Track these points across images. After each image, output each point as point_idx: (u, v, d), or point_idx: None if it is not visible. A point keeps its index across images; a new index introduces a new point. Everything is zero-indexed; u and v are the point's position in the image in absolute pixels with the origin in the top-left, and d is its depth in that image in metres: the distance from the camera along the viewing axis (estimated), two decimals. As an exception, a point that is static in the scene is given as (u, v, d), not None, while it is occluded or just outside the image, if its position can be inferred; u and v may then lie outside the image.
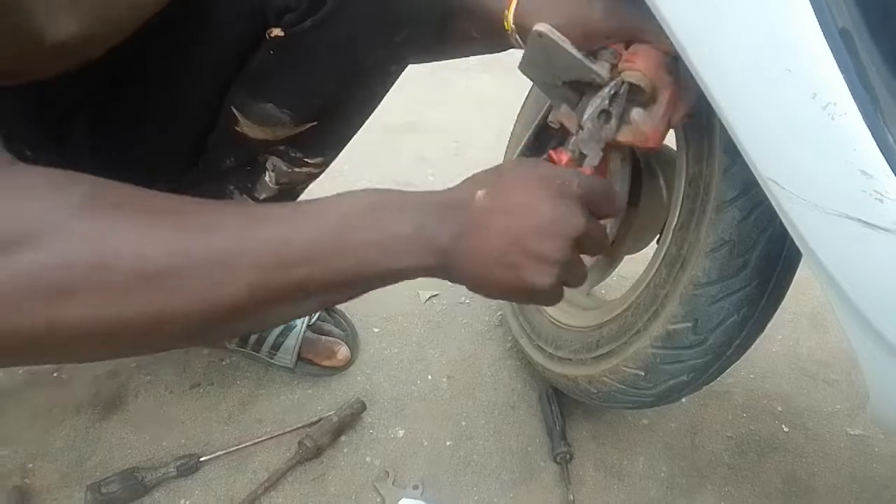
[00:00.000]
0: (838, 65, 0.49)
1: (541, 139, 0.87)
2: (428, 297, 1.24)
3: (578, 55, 0.68)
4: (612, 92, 0.66)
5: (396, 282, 0.53)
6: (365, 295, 1.18)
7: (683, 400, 1.03)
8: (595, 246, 0.57)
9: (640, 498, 0.91)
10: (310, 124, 0.77)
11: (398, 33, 0.73)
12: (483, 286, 0.56)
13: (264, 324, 0.52)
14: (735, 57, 0.52)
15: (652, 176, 0.88)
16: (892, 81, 0.51)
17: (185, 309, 0.44)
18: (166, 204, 0.47)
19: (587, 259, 0.81)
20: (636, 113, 0.67)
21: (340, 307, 1.16)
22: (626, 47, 0.69)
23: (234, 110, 0.76)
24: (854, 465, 0.97)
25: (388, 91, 0.82)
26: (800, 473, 0.96)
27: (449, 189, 0.56)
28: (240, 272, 0.46)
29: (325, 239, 0.49)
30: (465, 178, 0.57)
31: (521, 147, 0.89)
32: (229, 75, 0.75)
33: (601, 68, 0.68)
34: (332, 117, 0.79)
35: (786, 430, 1.02)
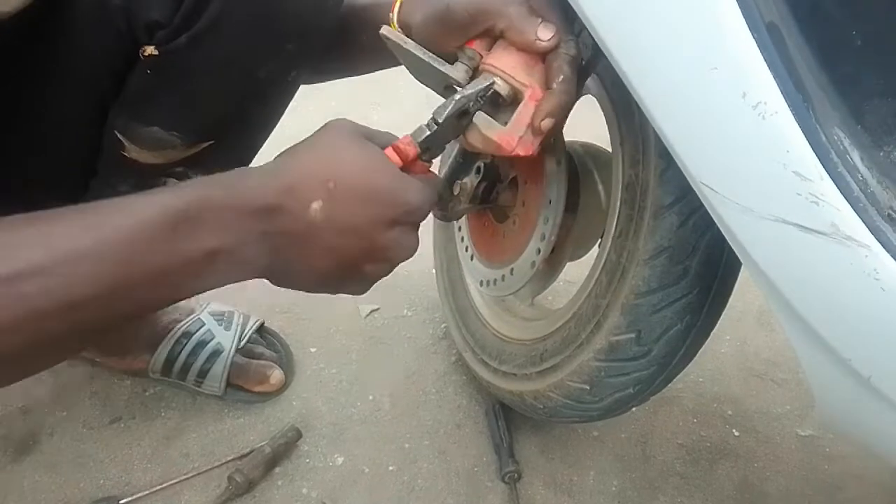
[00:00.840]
0: (767, 61, 0.46)
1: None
2: (369, 311, 1.19)
3: (425, 57, 0.64)
4: (480, 93, 0.61)
5: (200, 293, 0.52)
6: (301, 313, 1.14)
7: (633, 409, 1.00)
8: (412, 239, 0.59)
9: (590, 515, 0.88)
10: (205, 144, 0.72)
11: (284, 44, 0.68)
12: (296, 288, 0.57)
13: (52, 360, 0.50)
14: (660, 55, 0.49)
15: (589, 180, 0.85)
16: (824, 78, 0.48)
17: None
18: None
19: (525, 270, 0.78)
20: (480, 119, 0.62)
21: (273, 327, 1.10)
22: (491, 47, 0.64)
23: (119, 135, 0.71)
24: (806, 467, 0.96)
25: (290, 100, 0.77)
26: (752, 479, 0.94)
27: (277, 179, 0.52)
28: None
29: (122, 269, 0.45)
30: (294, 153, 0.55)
31: (454, 153, 0.85)
32: (104, 96, 0.70)
33: (456, 71, 0.63)
34: (229, 134, 0.74)
35: (736, 434, 1.00)
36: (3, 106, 0.68)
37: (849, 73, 0.49)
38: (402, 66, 0.72)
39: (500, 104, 0.63)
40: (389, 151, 0.57)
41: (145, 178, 0.75)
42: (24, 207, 0.74)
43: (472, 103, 0.61)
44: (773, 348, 1.15)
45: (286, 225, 0.51)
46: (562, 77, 0.60)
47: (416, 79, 0.72)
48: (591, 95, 0.81)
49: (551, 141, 0.80)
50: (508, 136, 0.61)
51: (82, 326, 0.46)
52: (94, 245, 0.45)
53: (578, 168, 0.86)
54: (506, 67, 0.61)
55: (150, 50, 0.65)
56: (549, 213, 0.81)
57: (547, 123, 0.60)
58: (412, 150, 0.59)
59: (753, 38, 0.46)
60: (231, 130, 0.74)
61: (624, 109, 0.74)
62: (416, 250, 0.57)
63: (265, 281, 1.27)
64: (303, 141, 0.55)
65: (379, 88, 1.87)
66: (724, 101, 0.47)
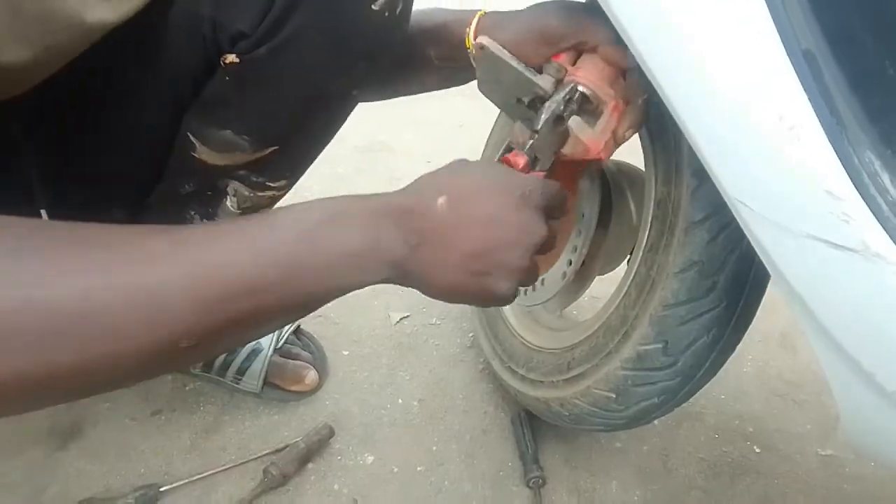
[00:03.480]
0: (803, 86, 0.49)
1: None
2: (399, 318, 1.22)
3: (519, 67, 0.69)
4: (567, 97, 0.66)
5: (346, 293, 0.52)
6: (335, 318, 1.16)
7: (656, 422, 1.03)
8: (549, 247, 0.59)
9: (613, 523, 0.90)
10: (270, 149, 0.76)
11: (355, 62, 0.72)
12: (441, 294, 0.55)
13: (210, 355, 0.49)
14: (701, 77, 0.52)
15: (622, 197, 0.88)
16: (856, 104, 0.51)
17: (115, 351, 0.41)
18: (97, 238, 0.43)
19: (556, 280, 0.81)
20: (574, 122, 0.67)
21: (308, 330, 1.14)
22: (575, 62, 0.69)
23: (191, 136, 0.74)
24: (826, 486, 0.97)
25: (350, 113, 0.81)
26: (772, 495, 0.95)
27: (404, 192, 0.55)
28: (177, 307, 0.42)
29: (270, 264, 0.47)
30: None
31: (498, 154, 0.88)
32: (184, 101, 0.73)
33: (544, 81, 0.68)
34: (292, 142, 0.77)
35: (757, 451, 1.01)
36: (92, 114, 0.72)
37: (881, 100, 0.52)
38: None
39: (581, 113, 0.68)
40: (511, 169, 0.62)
41: (209, 179, 0.79)
42: (90, 206, 0.78)
43: (563, 108, 0.66)
44: (796, 370, 1.17)
45: (418, 223, 0.52)
46: (644, 95, 0.66)
47: (485, 92, 0.75)
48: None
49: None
50: (598, 140, 0.67)
51: (234, 324, 0.46)
52: (277, 266, 0.47)
53: (612, 185, 0.89)
54: (593, 79, 0.66)
55: (231, 58, 0.69)
56: (582, 227, 0.84)
57: (629, 134, 0.66)
58: (521, 160, 0.63)
59: (791, 63, 0.49)
60: (295, 138, 0.77)
61: (658, 130, 0.77)
62: (546, 235, 0.56)
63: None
64: None
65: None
66: (761, 122, 0.50)
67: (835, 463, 1.00)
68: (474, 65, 0.75)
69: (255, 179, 0.80)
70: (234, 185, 0.80)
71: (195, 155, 0.75)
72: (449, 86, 0.87)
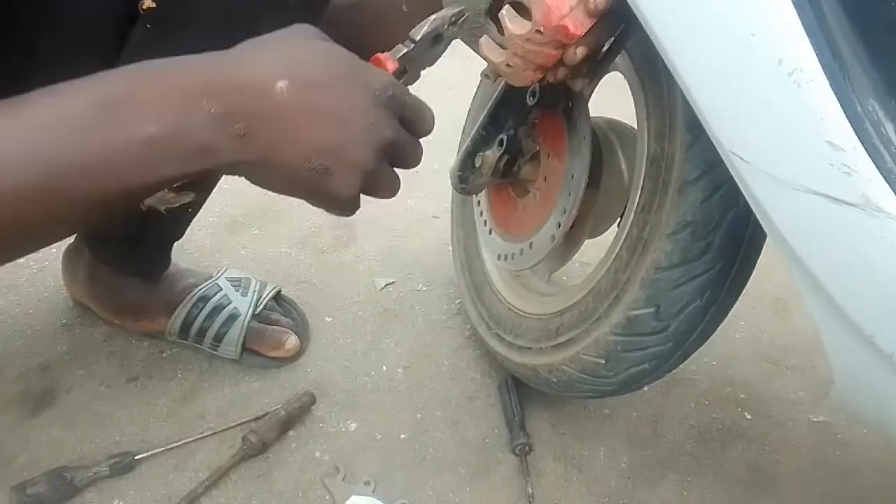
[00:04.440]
0: (805, 30, 0.46)
1: (496, 120, 0.83)
2: (384, 284, 1.19)
3: None
4: (454, 19, 0.62)
5: (161, 187, 0.47)
6: (318, 283, 1.14)
7: (645, 388, 1.01)
8: (406, 159, 0.55)
9: (600, 490, 0.88)
10: None
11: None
12: (275, 188, 0.52)
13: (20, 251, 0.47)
14: (695, 21, 0.49)
15: (612, 156, 0.85)
16: (861, 48, 0.48)
17: None
18: None
19: (544, 243, 0.78)
20: None
21: (290, 296, 1.11)
22: None
23: None
24: (817, 452, 0.96)
25: None
26: (763, 461, 0.94)
27: (234, 61, 0.49)
28: None
29: (53, 152, 0.42)
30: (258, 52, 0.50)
31: (476, 126, 0.85)
32: (111, 55, 0.69)
33: None
34: None
35: (749, 417, 1.00)
36: (9, 68, 0.68)
37: (886, 45, 0.49)
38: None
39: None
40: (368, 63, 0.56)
41: None
42: None
43: (446, 26, 0.62)
44: (788, 335, 1.15)
45: (252, 105, 0.47)
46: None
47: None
48: (618, 72, 0.81)
49: (575, 116, 0.80)
50: (560, 1, 0.58)
51: (29, 219, 0.43)
52: (20, 137, 0.42)
53: (602, 144, 0.86)
54: None
55: (148, 2, 0.65)
56: (571, 187, 0.81)
57: (601, 2, 0.58)
58: (391, 65, 0.58)
59: (792, 4, 0.45)
60: None
61: (651, 84, 0.74)
62: (394, 135, 0.52)
63: (282, 251, 1.28)
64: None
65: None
66: (759, 67, 0.47)
67: (826, 429, 0.99)
68: None
69: None
70: None
71: None
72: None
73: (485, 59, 0.68)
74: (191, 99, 0.46)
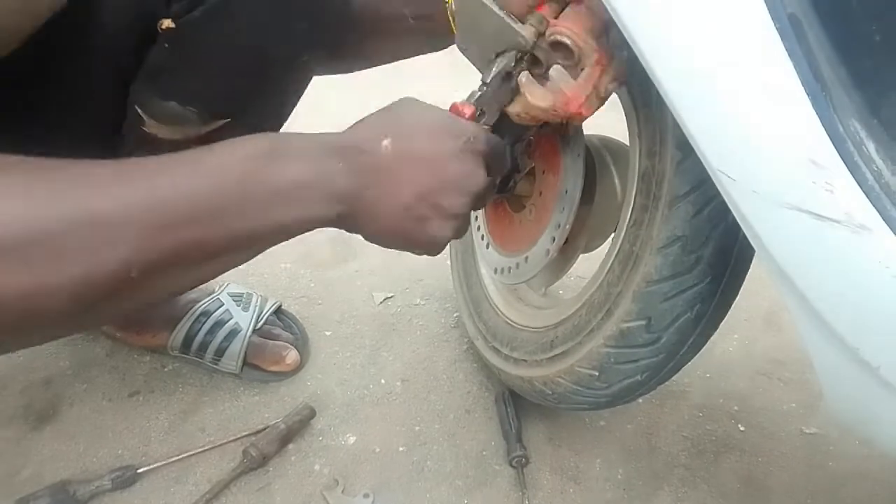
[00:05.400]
0: (788, 52, 0.48)
1: (497, 131, 0.85)
2: (382, 298, 1.21)
3: (500, 13, 0.66)
4: (519, 56, 0.65)
5: (299, 234, 0.53)
6: (317, 298, 1.15)
7: (640, 400, 1.02)
8: (485, 201, 0.61)
9: (596, 501, 0.89)
10: (221, 122, 0.74)
11: (296, 23, 0.70)
12: (384, 237, 0.57)
13: (154, 296, 0.48)
14: (682, 43, 0.51)
15: (605, 172, 0.87)
16: (842, 70, 0.50)
17: (57, 280, 0.39)
18: (42, 166, 0.42)
19: (539, 257, 0.79)
20: (555, 71, 0.65)
21: (290, 311, 1.12)
22: (559, 14, 0.66)
23: (139, 110, 0.72)
24: (810, 463, 0.97)
25: (306, 83, 0.79)
26: (756, 473, 0.95)
27: (350, 132, 0.55)
28: (120, 233, 0.42)
29: (216, 191, 0.46)
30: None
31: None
32: (127, 72, 0.71)
33: (526, 31, 0.66)
34: (245, 113, 0.75)
35: (742, 429, 1.01)
36: (28, 85, 0.69)
37: (867, 67, 0.50)
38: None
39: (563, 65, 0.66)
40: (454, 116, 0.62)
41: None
42: None
43: (513, 64, 0.65)
44: (781, 348, 1.16)
45: (363, 161, 0.53)
46: (627, 51, 0.62)
47: (464, 49, 0.73)
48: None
49: (570, 132, 0.82)
50: (578, 90, 0.64)
51: (204, 247, 0.47)
52: (223, 193, 0.47)
53: (595, 160, 0.88)
54: (577, 30, 0.63)
55: (167, 23, 0.67)
56: (566, 203, 0.82)
57: (612, 87, 0.64)
58: (468, 110, 0.63)
59: (775, 28, 0.47)
60: (247, 109, 0.75)
61: (642, 101, 0.76)
62: (485, 182, 0.58)
63: (283, 266, 1.29)
64: None
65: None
66: (744, 90, 0.48)
67: (819, 441, 1.00)
68: (452, 18, 0.72)
69: None
70: None
71: (145, 129, 0.73)
72: (426, 51, 0.85)
73: None
74: (323, 156, 0.52)
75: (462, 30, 0.72)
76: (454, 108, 0.63)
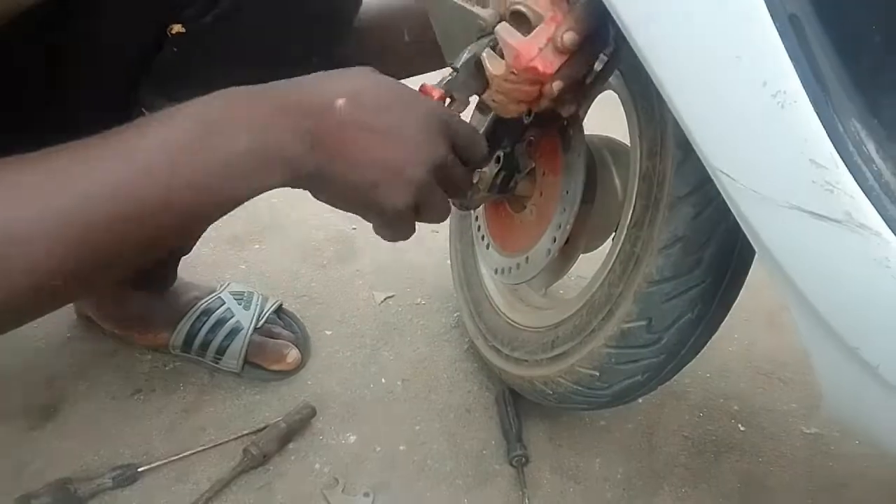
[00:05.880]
0: (788, 52, 0.48)
1: (493, 137, 0.85)
2: (383, 298, 1.21)
3: (459, 2, 0.66)
4: (492, 42, 0.64)
5: (248, 199, 0.50)
6: (318, 297, 1.15)
7: (640, 400, 1.02)
8: (455, 185, 0.58)
9: (596, 501, 0.89)
10: None
11: (308, 27, 0.70)
12: (335, 199, 0.55)
13: (95, 286, 0.51)
14: (683, 42, 0.51)
15: (606, 172, 0.87)
16: (843, 71, 0.50)
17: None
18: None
19: (540, 257, 0.79)
20: (502, 28, 0.63)
21: (291, 309, 1.12)
22: None
23: (146, 112, 0.72)
24: (810, 464, 0.97)
25: None
26: (756, 473, 0.95)
27: (300, 86, 0.53)
28: (37, 249, 0.42)
29: (145, 187, 0.45)
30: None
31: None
32: (134, 73, 0.71)
33: (486, 13, 0.65)
34: None
35: (742, 429, 1.01)
36: (37, 85, 0.69)
37: (867, 67, 0.51)
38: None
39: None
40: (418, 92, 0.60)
41: None
42: None
43: (484, 52, 0.64)
44: (781, 349, 1.16)
45: (314, 122, 0.51)
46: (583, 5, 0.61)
47: (449, 54, 0.73)
48: (611, 90, 0.83)
49: (570, 133, 0.82)
50: (528, 44, 0.61)
51: (131, 242, 0.46)
52: (130, 161, 0.46)
53: (596, 160, 0.88)
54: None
55: (177, 28, 0.67)
56: (566, 203, 0.82)
57: (569, 37, 0.60)
58: (436, 92, 0.61)
59: (776, 28, 0.47)
60: None
61: (643, 102, 0.76)
62: (445, 156, 0.55)
63: (284, 265, 1.29)
64: None
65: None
66: (744, 89, 0.49)
67: (819, 441, 1.00)
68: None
69: None
70: None
71: None
72: (432, 68, 0.84)
73: None
74: (272, 117, 0.50)
75: (443, 40, 0.72)
76: (422, 90, 0.61)
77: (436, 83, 0.63)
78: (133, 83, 0.72)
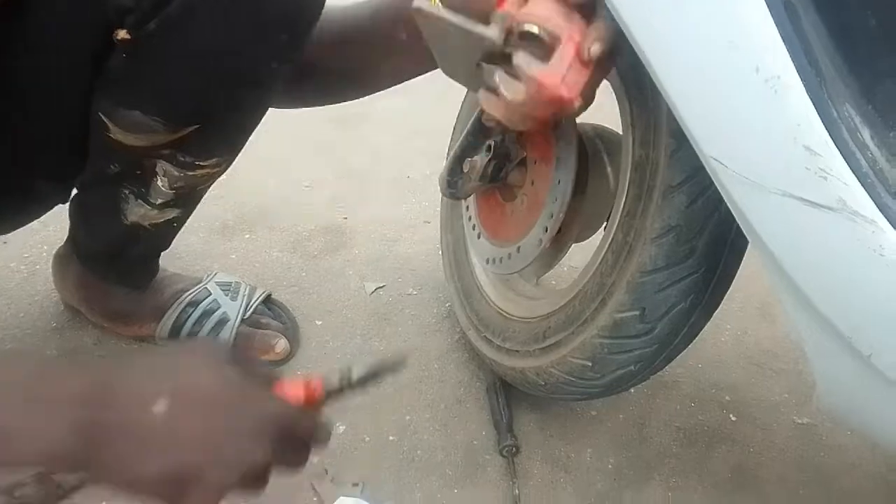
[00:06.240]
0: (782, 37, 0.47)
1: (484, 126, 0.84)
2: (374, 288, 1.20)
3: (459, 21, 0.61)
4: (397, 367, 0.56)
5: None
6: (308, 288, 1.14)
7: (632, 390, 1.02)
8: (265, 478, 0.50)
9: (586, 491, 0.89)
10: (190, 128, 0.72)
11: (265, 32, 0.67)
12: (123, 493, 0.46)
13: None
14: (677, 29, 0.50)
15: (598, 162, 0.86)
16: (837, 56, 0.49)
17: None
18: None
19: (532, 248, 0.78)
20: (518, 58, 0.58)
21: (280, 300, 1.11)
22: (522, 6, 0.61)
23: (102, 117, 0.71)
24: (801, 454, 0.97)
25: (279, 85, 0.77)
26: (748, 463, 0.95)
27: (124, 372, 0.48)
28: None
29: None
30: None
31: (465, 132, 0.86)
32: (87, 80, 0.70)
33: (491, 31, 0.60)
34: (214, 120, 0.73)
35: (733, 419, 1.01)
36: None
37: (862, 53, 0.50)
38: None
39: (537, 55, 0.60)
40: (297, 384, 0.53)
41: (133, 159, 0.76)
42: (18, 188, 0.75)
43: (497, 75, 0.60)
44: (774, 339, 1.16)
45: (113, 418, 0.44)
46: (603, 18, 0.57)
47: (448, 72, 0.71)
48: (604, 80, 0.82)
49: (562, 122, 0.81)
50: (551, 73, 0.57)
51: None
52: None
53: (588, 149, 0.87)
54: (542, 14, 0.58)
55: (122, 34, 0.65)
56: (558, 192, 0.82)
57: (596, 49, 0.57)
58: (319, 394, 0.53)
59: (770, 12, 0.46)
60: (216, 116, 0.73)
61: (636, 91, 0.75)
62: (261, 461, 0.47)
63: (273, 255, 1.28)
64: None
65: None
66: (737, 74, 0.48)
67: (811, 432, 1.00)
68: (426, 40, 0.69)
69: (182, 159, 0.76)
70: (161, 165, 0.76)
71: (110, 136, 0.72)
72: (432, 68, 0.82)
73: (483, 109, 0.68)
74: (63, 402, 0.43)
75: (439, 55, 0.70)
76: (307, 387, 0.53)
77: (325, 381, 0.54)
78: (89, 87, 0.70)
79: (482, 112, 0.74)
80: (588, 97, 0.64)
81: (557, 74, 0.58)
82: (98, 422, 0.43)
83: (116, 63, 0.68)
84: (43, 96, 0.70)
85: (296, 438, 0.50)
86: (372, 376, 0.55)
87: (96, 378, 0.45)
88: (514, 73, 0.60)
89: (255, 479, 0.49)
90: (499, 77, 0.62)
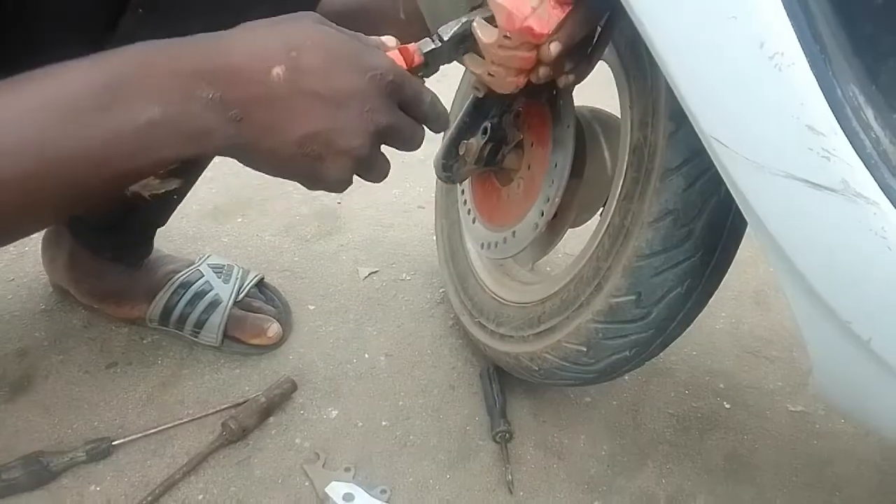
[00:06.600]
0: (787, 13, 0.46)
1: (480, 108, 0.83)
2: (367, 273, 1.19)
3: None
4: (485, 18, 0.61)
5: (152, 171, 0.47)
6: (301, 272, 1.14)
7: (626, 377, 1.01)
8: (404, 143, 0.55)
9: (580, 477, 0.88)
10: None
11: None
12: (267, 170, 0.52)
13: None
14: (678, 2, 0.49)
15: (596, 145, 0.85)
16: (842, 34, 0.48)
17: None
18: None
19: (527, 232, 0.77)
20: None
21: (273, 284, 1.10)
22: None
23: None
24: (795, 441, 0.96)
25: None
26: (741, 450, 0.94)
27: (232, 44, 0.48)
28: None
29: (36, 152, 0.42)
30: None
31: (460, 114, 0.84)
32: (98, 40, 0.68)
33: None
34: None
35: (728, 406, 1.01)
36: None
37: (868, 31, 0.49)
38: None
39: None
40: (395, 53, 0.57)
41: None
42: None
43: (475, 21, 0.61)
44: (768, 327, 1.16)
45: (245, 91, 0.47)
46: None
47: (433, 26, 0.70)
48: (602, 61, 0.81)
49: (559, 105, 0.80)
50: (520, 2, 0.58)
51: (28, 203, 0.44)
52: (18, 121, 0.42)
53: (585, 133, 0.86)
54: None
55: None
56: (555, 176, 0.81)
57: None
58: (418, 58, 0.58)
59: (774, -14, 0.45)
60: None
61: (635, 73, 0.74)
62: (389, 121, 0.52)
63: (266, 239, 1.27)
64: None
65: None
66: (740, 50, 0.47)
67: (805, 419, 1.00)
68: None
69: None
70: None
71: None
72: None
73: (469, 71, 0.67)
74: (189, 84, 0.46)
75: (430, 17, 0.69)
76: (404, 50, 0.58)
77: (419, 45, 0.60)
78: (96, 48, 0.69)
79: (474, 84, 0.73)
80: (581, 71, 0.66)
81: (526, 4, 0.58)
82: (230, 100, 0.46)
83: (129, 21, 0.67)
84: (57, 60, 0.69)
85: (411, 105, 0.54)
86: (461, 34, 0.61)
87: (206, 58, 0.47)
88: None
89: (373, 156, 0.53)
90: (476, 21, 0.62)
